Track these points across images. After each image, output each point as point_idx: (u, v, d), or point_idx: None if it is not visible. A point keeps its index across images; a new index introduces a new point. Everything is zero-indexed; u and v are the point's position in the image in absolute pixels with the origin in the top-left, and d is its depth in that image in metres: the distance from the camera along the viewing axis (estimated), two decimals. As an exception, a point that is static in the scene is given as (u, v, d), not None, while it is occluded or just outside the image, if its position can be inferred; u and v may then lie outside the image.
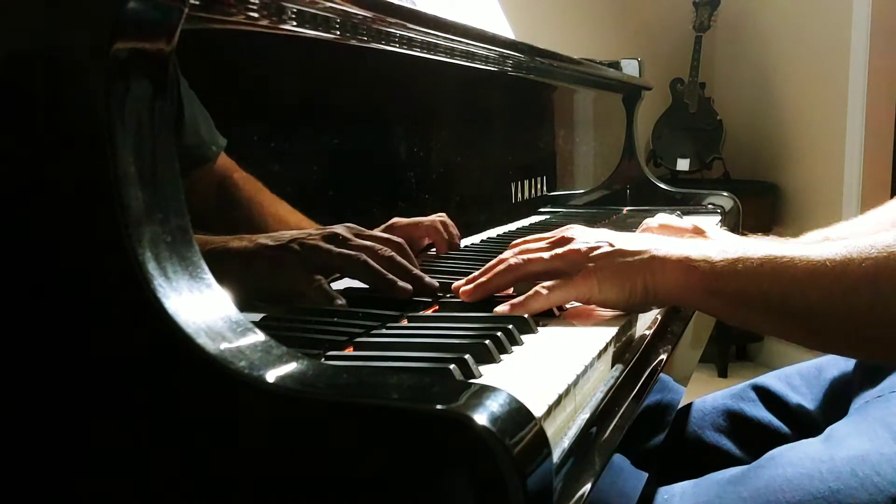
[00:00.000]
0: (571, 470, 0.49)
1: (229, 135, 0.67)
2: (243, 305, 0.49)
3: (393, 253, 0.75)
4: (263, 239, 0.67)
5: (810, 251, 0.67)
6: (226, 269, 0.56)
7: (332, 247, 0.71)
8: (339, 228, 0.75)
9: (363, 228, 0.79)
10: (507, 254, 0.79)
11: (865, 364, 0.94)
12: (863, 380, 0.91)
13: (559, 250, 0.75)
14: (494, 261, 0.79)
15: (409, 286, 0.75)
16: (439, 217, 0.99)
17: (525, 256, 0.76)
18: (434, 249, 0.99)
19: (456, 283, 0.79)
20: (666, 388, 0.77)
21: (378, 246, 0.75)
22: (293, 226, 0.75)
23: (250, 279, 0.66)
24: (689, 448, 0.98)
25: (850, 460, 0.70)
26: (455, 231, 1.00)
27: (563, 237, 0.77)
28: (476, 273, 0.79)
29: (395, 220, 0.90)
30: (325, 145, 0.82)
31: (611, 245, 0.74)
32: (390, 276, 0.74)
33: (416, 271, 0.77)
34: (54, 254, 0.46)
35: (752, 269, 0.68)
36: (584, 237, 0.76)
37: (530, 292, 0.73)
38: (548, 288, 0.73)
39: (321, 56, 0.81)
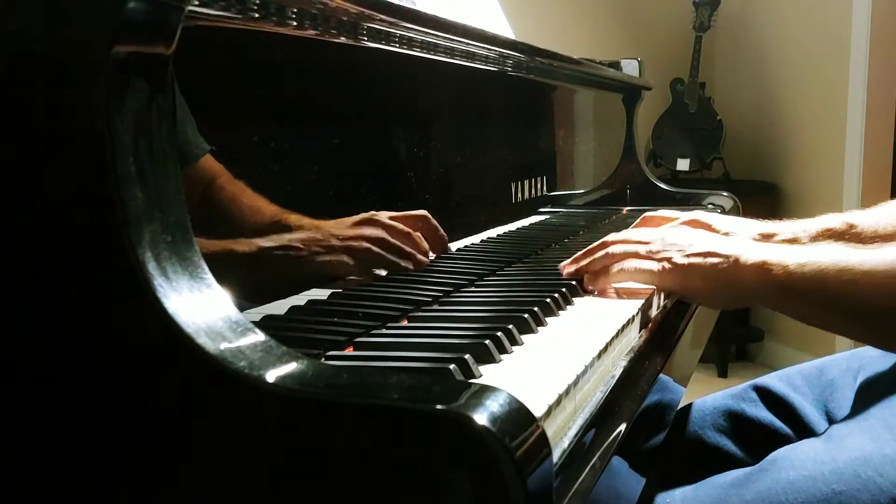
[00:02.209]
0: (571, 470, 0.49)
1: (228, 134, 0.67)
2: (252, 302, 0.49)
3: (384, 234, 0.83)
4: (265, 242, 0.70)
5: (868, 254, 0.74)
6: (233, 270, 0.62)
7: (335, 242, 0.77)
8: (334, 229, 0.79)
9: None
10: (610, 237, 0.88)
11: (867, 365, 0.94)
12: (864, 381, 0.91)
13: (656, 246, 0.84)
14: (596, 244, 0.88)
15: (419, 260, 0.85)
16: (422, 218, 0.95)
17: (625, 248, 0.85)
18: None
19: (562, 263, 0.90)
20: (666, 389, 0.77)
21: (369, 232, 0.81)
22: (291, 225, 0.75)
23: (259, 278, 0.69)
24: (690, 448, 0.98)
25: (853, 462, 0.70)
26: (439, 235, 0.97)
27: (661, 237, 0.86)
28: (578, 254, 0.89)
29: (373, 213, 0.87)
30: (324, 145, 0.82)
31: (704, 246, 0.82)
32: (391, 257, 0.82)
33: (408, 248, 0.85)
34: (54, 254, 0.46)
35: (820, 272, 0.75)
36: (679, 236, 0.86)
37: (620, 263, 0.84)
38: (636, 267, 0.83)
39: (321, 56, 0.81)
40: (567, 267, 0.89)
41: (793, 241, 1.04)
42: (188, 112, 0.62)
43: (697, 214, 1.09)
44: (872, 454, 0.70)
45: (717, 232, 1.05)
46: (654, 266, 0.83)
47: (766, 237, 1.04)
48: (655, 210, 1.21)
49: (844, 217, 1.06)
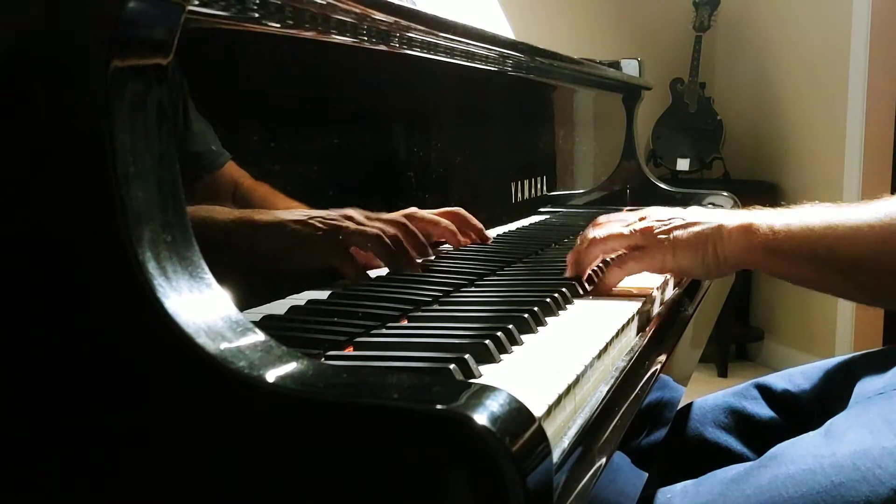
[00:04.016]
0: (571, 469, 0.49)
1: (229, 136, 0.67)
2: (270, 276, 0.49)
3: (397, 232, 0.84)
4: (286, 214, 0.73)
5: (854, 211, 0.77)
6: (250, 239, 0.67)
7: (349, 223, 0.79)
8: (352, 211, 0.81)
9: (370, 213, 0.83)
10: (589, 232, 0.88)
11: (868, 363, 0.94)
12: (865, 375, 0.91)
13: (637, 226, 0.85)
14: (578, 239, 0.89)
15: (415, 261, 0.85)
16: (456, 214, 1.03)
17: (606, 232, 0.86)
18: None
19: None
20: (666, 387, 0.77)
21: (385, 226, 0.82)
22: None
23: (272, 249, 0.72)
24: (691, 444, 0.98)
25: (852, 455, 0.70)
26: (475, 226, 1.06)
27: (640, 217, 0.87)
28: (569, 258, 0.88)
29: (414, 210, 0.95)
30: (324, 146, 0.82)
31: (682, 218, 0.83)
32: (396, 249, 0.82)
33: (413, 253, 0.85)
34: (54, 254, 0.46)
35: (805, 229, 0.78)
36: (658, 214, 0.86)
37: (607, 270, 0.84)
38: (621, 262, 0.84)
39: (321, 56, 0.81)
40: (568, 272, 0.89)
41: None
42: (206, 123, 0.63)
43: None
44: (871, 447, 0.70)
45: None
46: (634, 253, 0.83)
47: None
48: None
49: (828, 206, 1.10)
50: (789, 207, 0.86)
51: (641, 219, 0.86)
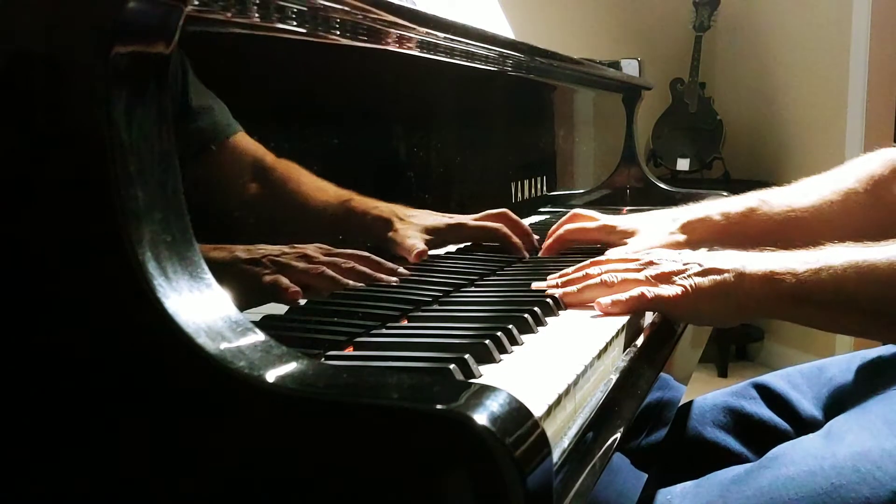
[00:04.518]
0: (571, 469, 0.49)
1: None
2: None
3: (354, 263, 0.79)
4: (239, 252, 0.68)
5: (889, 251, 0.72)
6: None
7: (298, 264, 0.74)
8: (310, 248, 0.77)
9: (331, 248, 0.79)
10: (594, 269, 0.82)
11: (867, 364, 0.94)
12: (864, 379, 0.91)
13: (652, 271, 0.79)
14: (578, 273, 0.83)
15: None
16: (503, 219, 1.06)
17: (620, 276, 0.80)
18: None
19: (537, 284, 0.84)
20: (666, 387, 0.77)
21: (340, 260, 0.78)
22: (355, 206, 0.80)
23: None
24: (690, 445, 0.98)
25: (852, 456, 0.70)
26: (523, 230, 1.08)
27: (650, 261, 0.81)
28: (561, 277, 0.83)
29: (462, 219, 0.96)
30: (324, 146, 0.82)
31: (699, 265, 0.78)
32: (350, 281, 0.77)
33: (378, 274, 0.81)
34: (54, 253, 0.46)
35: (837, 275, 0.73)
36: (671, 259, 0.81)
37: (634, 292, 0.77)
38: (656, 294, 0.77)
39: (321, 56, 0.81)
40: (550, 291, 0.81)
41: (704, 219, 1.06)
42: (211, 96, 0.63)
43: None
44: (871, 449, 0.70)
45: (624, 231, 1.08)
46: (666, 292, 0.77)
47: (686, 227, 1.05)
48: (653, 209, 1.21)
49: (759, 193, 1.08)
50: (805, 249, 0.79)
51: (651, 262, 0.81)
